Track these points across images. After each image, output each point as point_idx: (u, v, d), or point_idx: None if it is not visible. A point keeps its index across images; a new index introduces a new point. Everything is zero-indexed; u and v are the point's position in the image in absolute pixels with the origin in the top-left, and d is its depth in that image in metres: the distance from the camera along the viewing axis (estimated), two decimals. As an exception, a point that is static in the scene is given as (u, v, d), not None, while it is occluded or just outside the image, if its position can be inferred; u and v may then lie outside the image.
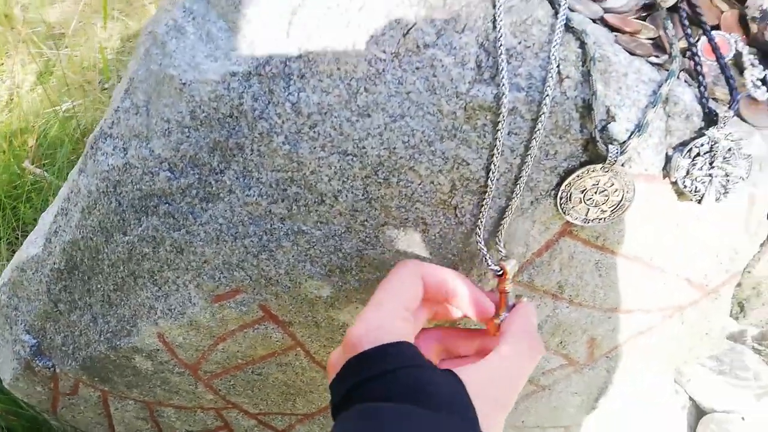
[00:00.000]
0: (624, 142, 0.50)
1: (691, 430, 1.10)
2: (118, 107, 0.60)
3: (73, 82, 1.97)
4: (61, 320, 0.76)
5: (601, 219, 0.55)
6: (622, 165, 0.52)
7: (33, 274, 0.75)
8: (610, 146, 0.50)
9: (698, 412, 1.10)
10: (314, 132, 0.53)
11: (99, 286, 0.70)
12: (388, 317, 0.44)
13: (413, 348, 0.43)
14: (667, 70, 0.52)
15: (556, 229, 0.58)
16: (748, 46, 0.56)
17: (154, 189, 0.60)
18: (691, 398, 1.09)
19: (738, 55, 0.55)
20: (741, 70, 0.55)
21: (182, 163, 0.58)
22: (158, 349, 0.71)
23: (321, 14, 0.49)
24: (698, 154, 0.51)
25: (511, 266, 0.51)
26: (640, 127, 0.49)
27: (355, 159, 0.54)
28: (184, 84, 0.55)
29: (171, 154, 0.58)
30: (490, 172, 0.52)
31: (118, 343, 0.72)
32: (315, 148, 0.54)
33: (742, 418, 1.04)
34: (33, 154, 1.74)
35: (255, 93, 0.53)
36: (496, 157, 0.51)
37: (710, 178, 0.52)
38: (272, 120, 0.53)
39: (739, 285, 0.66)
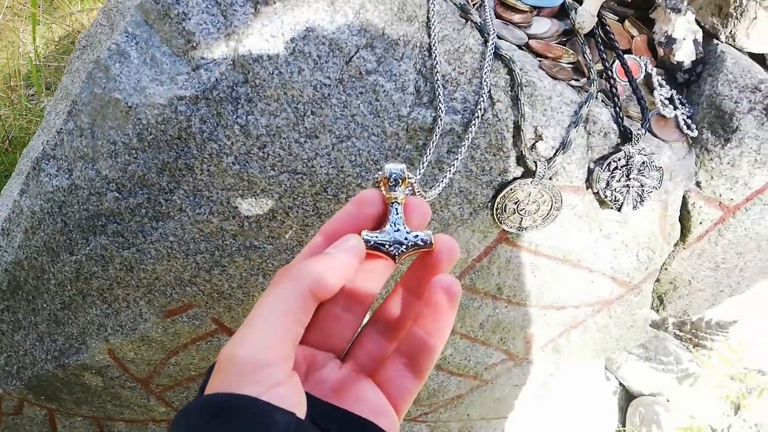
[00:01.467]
0: (551, 158, 0.55)
1: (622, 413, 1.18)
2: (62, 129, 0.60)
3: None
4: (3, 340, 0.75)
5: (533, 227, 0.60)
6: (550, 179, 0.57)
7: (-28, 295, 0.73)
8: (538, 163, 0.54)
9: (628, 396, 1.19)
10: (263, 153, 0.55)
11: (45, 305, 0.69)
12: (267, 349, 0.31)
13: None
14: (587, 92, 0.57)
15: (493, 237, 0.63)
16: (656, 68, 0.62)
17: (102, 209, 0.61)
18: (621, 383, 1.18)
19: (648, 76, 0.61)
20: (651, 89, 0.61)
21: (130, 183, 0.59)
22: (109, 365, 0.71)
23: (266, 42, 0.52)
24: (616, 168, 0.56)
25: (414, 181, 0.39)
26: (564, 145, 0.54)
27: (304, 177, 0.56)
28: (130, 107, 0.56)
29: (118, 174, 0.59)
30: (434, 187, 0.55)
31: (66, 361, 0.72)
32: (265, 167, 0.56)
33: (667, 400, 1.13)
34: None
35: (203, 116, 0.55)
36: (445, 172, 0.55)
37: (627, 188, 0.57)
38: (221, 141, 0.55)
39: (658, 281, 0.72)
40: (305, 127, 0.54)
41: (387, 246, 0.35)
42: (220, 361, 0.30)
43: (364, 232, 0.36)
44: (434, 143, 0.54)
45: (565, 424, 1.09)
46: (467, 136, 0.54)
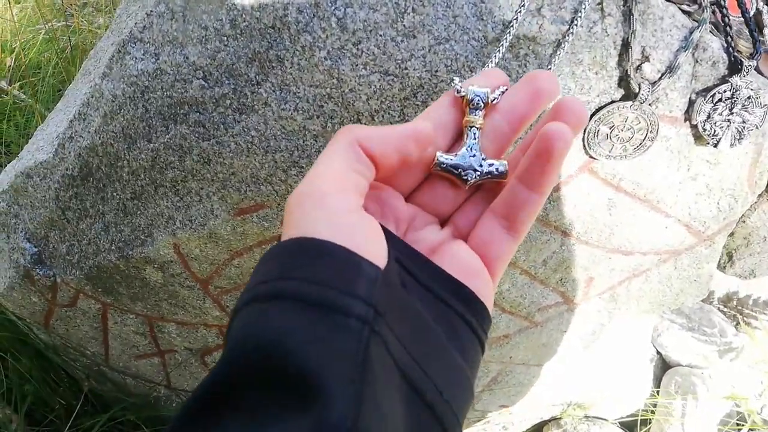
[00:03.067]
0: (655, 82, 0.53)
1: (656, 381, 1.17)
2: (152, 11, 0.59)
3: (50, 3, 1.89)
4: (68, 228, 0.76)
5: (623, 156, 0.58)
6: (650, 105, 0.55)
7: (40, 180, 0.74)
8: (642, 85, 0.52)
9: (664, 365, 1.18)
10: (357, 49, 0.54)
11: (115, 194, 0.70)
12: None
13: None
14: (696, 20, 0.54)
15: (578, 164, 0.61)
16: (767, 6, 0.59)
17: (186, 97, 0.60)
18: (658, 352, 1.16)
19: (758, 13, 0.58)
20: (760, 27, 0.58)
21: (218, 72, 0.58)
22: (172, 261, 0.72)
23: (380, -73, 0.50)
24: (720, 100, 0.54)
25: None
26: (671, 69, 0.52)
27: (395, 80, 0.55)
28: (227, -10, 0.55)
29: (207, 62, 0.58)
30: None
31: (130, 252, 0.72)
32: (357, 65, 0.55)
33: (702, 372, 1.12)
34: (9, 75, 1.68)
35: (300, 5, 0.53)
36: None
37: (728, 123, 0.55)
38: (316, 34, 0.54)
39: (731, 234, 0.70)
40: (404, 25, 0.53)
41: (460, 170, 0.35)
42: (289, 204, 0.30)
43: (438, 153, 0.35)
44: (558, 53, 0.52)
45: (601, 383, 1.08)
46: (561, 47, 0.52)
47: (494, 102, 0.35)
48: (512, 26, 0.52)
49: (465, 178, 0.35)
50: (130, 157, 0.66)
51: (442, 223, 0.37)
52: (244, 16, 0.55)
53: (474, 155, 0.35)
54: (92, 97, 0.66)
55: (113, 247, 0.74)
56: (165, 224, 0.69)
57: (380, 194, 0.35)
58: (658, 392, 1.14)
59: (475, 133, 0.35)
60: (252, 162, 0.61)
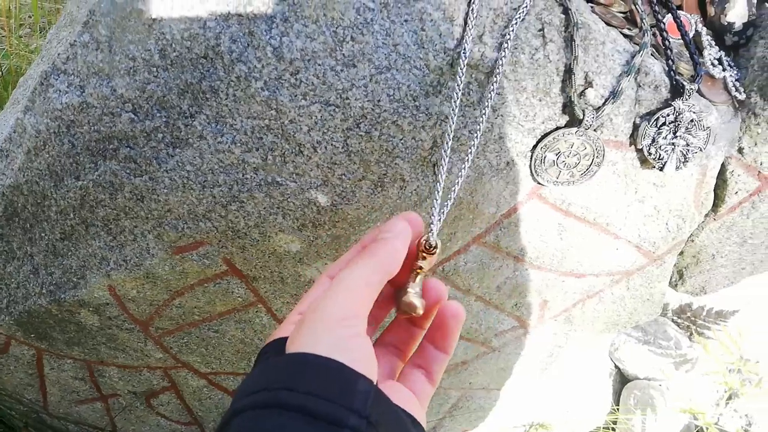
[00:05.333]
0: (599, 107, 0.52)
1: (616, 396, 1.18)
2: (75, 41, 0.56)
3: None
4: (-6, 272, 0.71)
5: (570, 182, 0.57)
6: (595, 130, 0.54)
7: (-38, 222, 0.69)
8: (586, 111, 0.52)
9: (623, 379, 1.19)
10: (296, 79, 0.52)
11: (43, 234, 0.65)
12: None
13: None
14: (637, 44, 0.54)
15: (526, 191, 0.60)
16: (705, 27, 0.59)
17: (115, 131, 0.57)
18: (616, 366, 1.17)
19: (697, 35, 0.59)
20: (700, 49, 0.58)
21: (148, 104, 0.55)
22: (108, 303, 0.68)
23: (313, -45, 0.48)
24: (664, 124, 0.54)
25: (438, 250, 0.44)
26: (614, 94, 0.52)
27: (337, 110, 0.53)
28: (154, 20, 0.52)
29: (136, 94, 0.55)
30: (474, 131, 0.52)
31: (62, 296, 0.68)
32: (296, 96, 0.52)
33: (660, 385, 1.12)
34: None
35: (233, 34, 0.51)
36: (481, 115, 0.52)
37: (673, 146, 0.55)
38: (251, 63, 0.52)
39: (681, 253, 0.71)
40: (343, 54, 0.51)
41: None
42: (307, 314, 0.36)
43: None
44: (493, 83, 0.51)
45: (561, 401, 1.08)
46: (495, 76, 0.51)
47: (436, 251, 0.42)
48: (464, 55, 0.51)
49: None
50: (57, 196, 0.62)
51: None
52: (174, 45, 0.52)
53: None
54: (14, 132, 0.62)
55: (44, 291, 0.69)
56: (98, 265, 0.65)
57: None
58: (618, 408, 1.14)
59: (417, 277, 0.41)
60: (189, 198, 0.58)
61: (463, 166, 0.55)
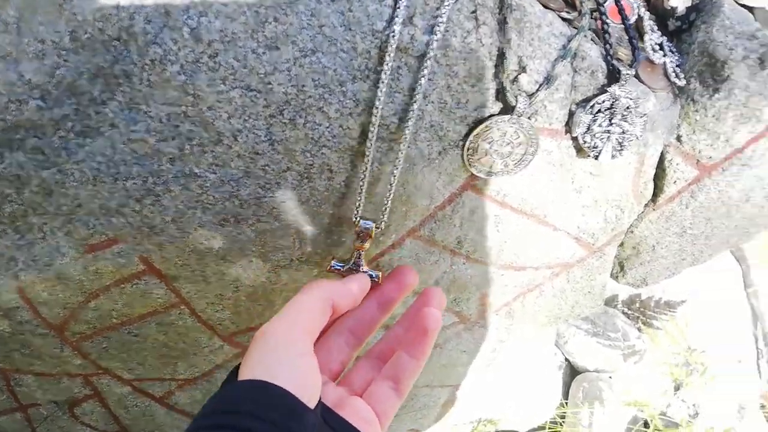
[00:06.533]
0: (533, 93, 0.50)
1: (566, 388, 1.18)
2: (-25, 21, 0.51)
3: None
4: None
5: (504, 172, 0.55)
6: (529, 118, 0.52)
7: None
8: (519, 97, 0.50)
9: (573, 372, 1.19)
10: (214, 62, 0.48)
11: (-57, 233, 0.60)
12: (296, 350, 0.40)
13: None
14: (576, 28, 0.53)
15: (460, 182, 0.58)
16: (648, 12, 0.58)
17: (22, 120, 0.52)
18: (566, 358, 1.17)
19: (639, 20, 0.57)
20: (641, 34, 0.57)
21: (57, 90, 0.50)
22: (18, 307, 0.62)
23: (226, -74, 0.44)
24: (599, 111, 0.53)
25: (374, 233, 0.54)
26: (549, 80, 0.50)
27: (259, 95, 0.49)
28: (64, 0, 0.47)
29: (44, 79, 0.50)
30: (405, 119, 0.50)
31: (-33, 300, 0.62)
32: (215, 80, 0.49)
33: (610, 377, 1.13)
34: None
35: (148, 14, 0.47)
36: (415, 102, 0.49)
37: (608, 134, 0.54)
38: (167, 46, 0.48)
39: (621, 245, 0.70)
40: (265, 36, 0.47)
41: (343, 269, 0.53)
42: (255, 340, 0.39)
43: (333, 262, 0.54)
44: (425, 69, 0.48)
45: (510, 396, 1.07)
46: (426, 60, 0.48)
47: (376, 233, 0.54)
48: (392, 38, 0.48)
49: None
50: (-44, 190, 0.56)
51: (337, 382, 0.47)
52: (85, 27, 0.48)
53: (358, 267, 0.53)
54: None
55: (-54, 295, 0.63)
56: (6, 266, 0.59)
57: None
58: (566, 402, 1.14)
59: (360, 254, 0.53)
60: (100, 192, 0.54)
61: (397, 156, 0.52)
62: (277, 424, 0.33)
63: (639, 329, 1.13)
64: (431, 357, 0.85)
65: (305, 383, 0.37)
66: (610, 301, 1.11)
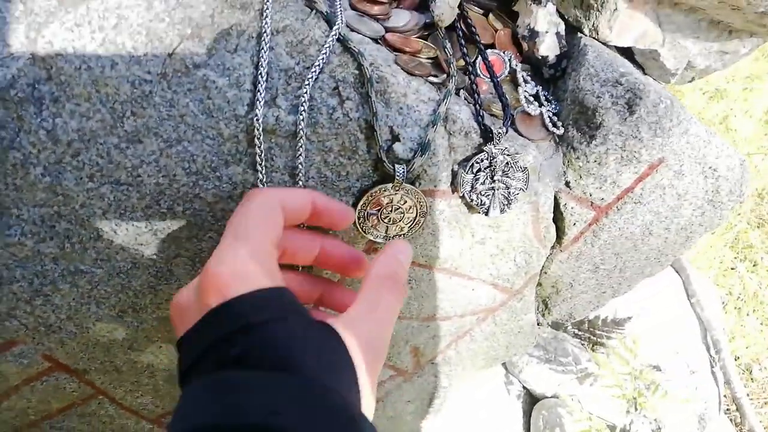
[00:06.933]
0: (409, 161, 0.50)
1: (527, 417, 1.17)
2: None
3: None
4: None
5: (401, 235, 0.55)
6: (412, 183, 0.52)
7: None
8: (396, 166, 0.50)
9: (532, 399, 1.18)
10: (77, 161, 0.47)
11: None
12: (257, 255, 0.37)
13: (288, 294, 0.37)
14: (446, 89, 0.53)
15: (362, 247, 0.57)
16: (521, 63, 0.59)
17: None
18: (524, 387, 1.16)
19: (513, 72, 0.58)
20: (516, 85, 0.58)
21: None
22: (-77, 418, 0.61)
23: (70, 32, 0.44)
24: (479, 169, 0.53)
25: None
26: (423, 147, 0.50)
27: (131, 188, 0.49)
28: None
29: None
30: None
31: None
32: (81, 178, 0.48)
33: (572, 400, 1.12)
34: None
35: (0, 120, 0.46)
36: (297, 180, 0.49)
37: (493, 191, 0.54)
38: (26, 150, 0.47)
39: (539, 285, 0.70)
40: (125, 131, 0.47)
41: None
42: (206, 280, 0.36)
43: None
44: (275, 146, 0.48)
45: (468, 435, 1.05)
46: (299, 139, 0.48)
47: None
48: (257, 121, 0.48)
49: None
50: None
51: None
52: (-66, 136, 0.47)
53: None
54: None
55: None
56: None
57: None
58: (529, 429, 1.13)
59: None
60: (-15, 298, 0.52)
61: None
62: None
63: (592, 349, 1.13)
64: (375, 411, 0.84)
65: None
66: (559, 325, 1.11)
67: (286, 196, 0.43)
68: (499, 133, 0.51)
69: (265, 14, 0.47)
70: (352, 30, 0.52)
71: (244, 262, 0.36)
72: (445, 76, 0.53)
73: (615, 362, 1.07)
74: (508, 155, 0.52)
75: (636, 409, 1.11)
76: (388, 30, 0.54)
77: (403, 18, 0.56)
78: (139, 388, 0.65)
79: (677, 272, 1.28)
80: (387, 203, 0.52)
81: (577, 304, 0.73)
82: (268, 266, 0.37)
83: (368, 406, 0.36)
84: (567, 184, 0.58)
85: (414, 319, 0.68)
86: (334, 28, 0.48)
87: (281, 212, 0.41)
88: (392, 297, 0.41)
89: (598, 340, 1.13)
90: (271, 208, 0.41)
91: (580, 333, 1.14)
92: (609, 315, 1.13)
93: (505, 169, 0.53)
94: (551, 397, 1.15)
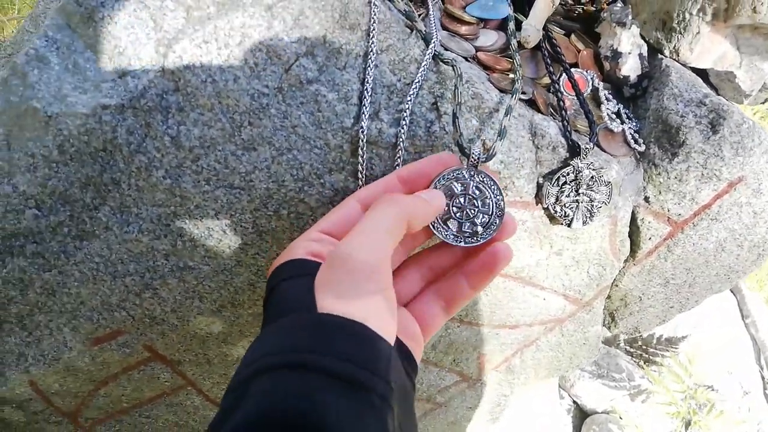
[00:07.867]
0: (490, 148, 0.51)
1: (577, 431, 1.17)
2: (-26, 140, 0.55)
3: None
4: None
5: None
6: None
7: None
8: (472, 146, 0.52)
9: (582, 414, 1.18)
10: (197, 166, 0.52)
11: (-43, 334, 0.63)
12: (307, 236, 0.44)
13: (305, 263, 0.40)
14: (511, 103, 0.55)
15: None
16: (603, 82, 0.61)
17: (20, 228, 0.55)
18: (574, 401, 1.17)
19: (595, 90, 0.61)
20: (598, 104, 0.60)
21: (51, 200, 0.54)
22: (31, 398, 0.65)
23: (198, 48, 0.48)
24: (565, 182, 0.55)
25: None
26: (500, 133, 0.49)
27: (242, 192, 0.53)
28: (50, 117, 0.51)
29: (38, 190, 0.54)
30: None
31: (-18, 395, 0.65)
32: (199, 182, 0.52)
33: (620, 417, 1.12)
34: None
35: (130, 126, 0.51)
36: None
37: (577, 203, 0.56)
38: (151, 154, 0.51)
39: (608, 297, 0.72)
40: (242, 139, 0.51)
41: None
42: (334, 259, 0.37)
43: None
44: (378, 156, 0.52)
45: (521, 445, 1.07)
46: (398, 150, 0.52)
47: None
48: (362, 133, 0.51)
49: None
50: (-33, 295, 0.60)
51: None
52: (71, 141, 0.52)
53: None
54: None
55: (-38, 391, 0.66)
56: (16, 362, 0.62)
57: None
58: (579, 445, 1.14)
59: None
60: (101, 289, 0.57)
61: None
62: (360, 363, 0.32)
63: (643, 366, 1.13)
64: (437, 416, 0.86)
65: (388, 323, 0.35)
66: (612, 341, 1.11)
67: (412, 207, 0.42)
68: (586, 147, 0.54)
69: (371, 35, 0.51)
70: (446, 49, 0.56)
71: (297, 242, 0.43)
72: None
73: (669, 380, 1.07)
74: (593, 169, 0.55)
75: (687, 428, 1.11)
76: (477, 49, 0.58)
77: (491, 38, 0.59)
78: (227, 380, 0.69)
79: (732, 292, 1.27)
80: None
81: (644, 317, 0.75)
82: (306, 246, 0.42)
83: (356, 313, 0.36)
84: (646, 199, 0.60)
85: (484, 326, 0.71)
86: (431, 46, 0.51)
87: (404, 227, 0.41)
88: (381, 208, 0.40)
89: (651, 357, 1.13)
90: (398, 224, 0.40)
91: (632, 350, 1.15)
92: (663, 333, 1.14)
93: (590, 183, 0.55)
94: (602, 412, 1.15)
